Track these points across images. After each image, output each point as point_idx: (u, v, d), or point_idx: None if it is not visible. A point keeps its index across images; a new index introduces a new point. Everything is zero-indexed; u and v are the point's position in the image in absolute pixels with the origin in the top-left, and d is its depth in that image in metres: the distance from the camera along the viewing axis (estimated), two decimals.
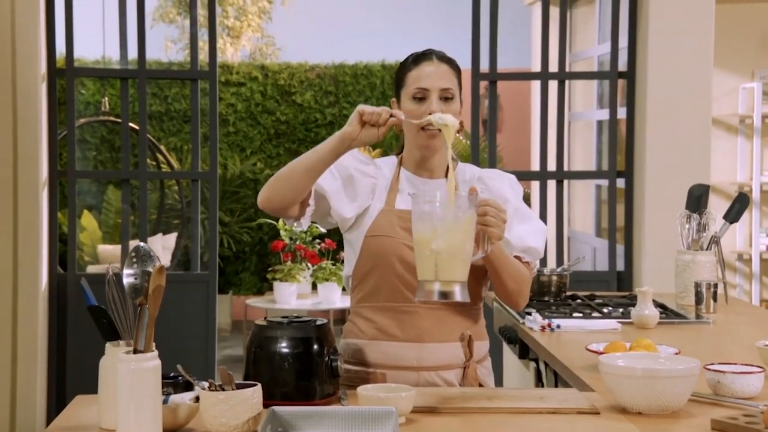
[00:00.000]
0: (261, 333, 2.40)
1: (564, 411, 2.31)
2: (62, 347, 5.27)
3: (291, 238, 7.84)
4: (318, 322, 2.43)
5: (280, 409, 2.14)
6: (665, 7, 5.14)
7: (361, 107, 2.43)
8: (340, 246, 8.36)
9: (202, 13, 5.44)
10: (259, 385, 2.16)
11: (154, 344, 2.08)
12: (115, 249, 8.41)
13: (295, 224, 2.68)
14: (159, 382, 2.07)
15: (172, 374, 2.28)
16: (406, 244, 2.56)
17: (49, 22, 5.21)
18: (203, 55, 8.19)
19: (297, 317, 2.44)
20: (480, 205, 2.37)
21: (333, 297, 7.65)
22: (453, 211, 2.28)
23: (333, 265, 7.72)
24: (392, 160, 2.73)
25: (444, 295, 2.27)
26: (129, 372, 2.03)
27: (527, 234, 2.66)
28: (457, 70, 2.64)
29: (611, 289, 5.24)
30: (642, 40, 5.23)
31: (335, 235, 8.85)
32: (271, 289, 9.13)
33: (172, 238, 8.42)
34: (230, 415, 2.10)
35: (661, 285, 4.45)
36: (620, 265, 5.41)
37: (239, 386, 2.15)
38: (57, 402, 5.27)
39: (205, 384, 2.14)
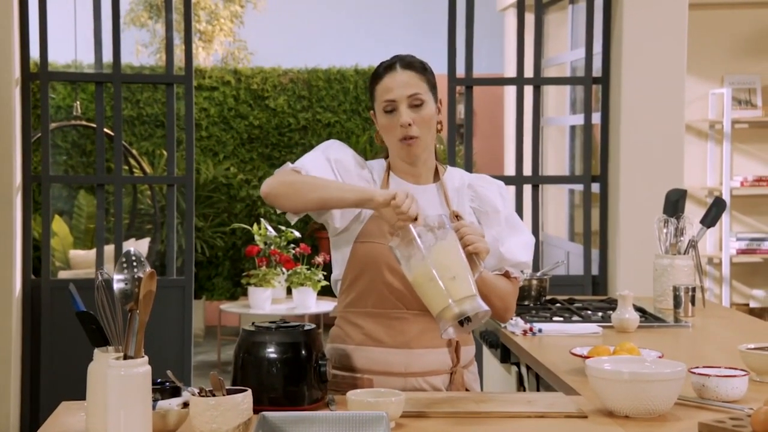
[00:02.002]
0: (249, 338, 2.40)
1: (552, 415, 2.32)
2: (36, 353, 5.23)
3: (266, 243, 7.82)
4: (306, 327, 2.42)
5: (270, 414, 2.14)
6: (639, 13, 5.18)
7: (402, 194, 2.40)
8: (315, 251, 8.36)
9: (176, 17, 5.40)
10: (250, 390, 2.15)
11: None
12: (86, 254, 8.34)
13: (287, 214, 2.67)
14: (149, 388, 2.07)
15: (159, 380, 2.27)
16: (395, 226, 2.55)
17: (23, 26, 5.17)
18: (176, 60, 8.15)
19: (285, 322, 2.44)
20: (455, 229, 2.41)
21: (308, 302, 7.63)
22: (435, 235, 2.32)
23: (308, 270, 7.71)
24: (381, 163, 2.72)
25: (463, 313, 2.27)
26: (119, 378, 2.03)
27: (519, 248, 2.68)
28: (423, 72, 2.62)
29: (586, 293, 5.27)
30: (616, 45, 5.26)
31: (310, 239, 8.85)
32: (244, 294, 9.11)
33: (144, 243, 8.37)
34: (221, 420, 2.09)
35: (636, 288, 4.46)
36: (594, 270, 5.44)
37: (229, 392, 2.15)
38: (31, 408, 5.22)
39: (195, 390, 2.14)
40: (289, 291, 7.86)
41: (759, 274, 7.55)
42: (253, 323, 2.45)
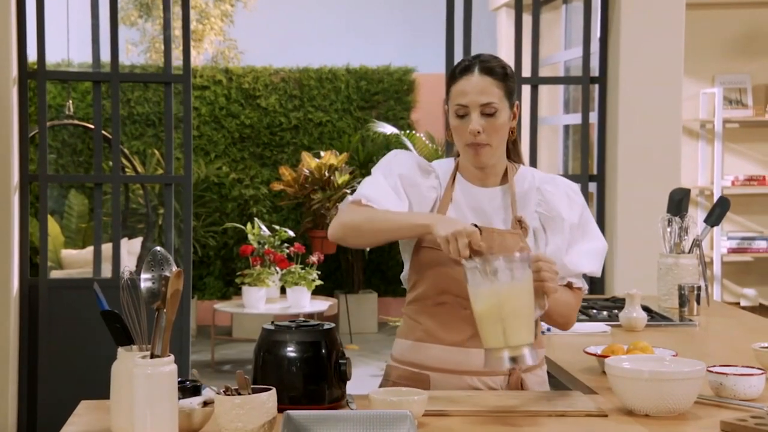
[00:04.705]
0: (269, 337, 2.40)
1: (572, 414, 2.33)
2: (33, 353, 5.20)
3: (259, 242, 7.81)
4: (326, 326, 2.43)
5: (295, 413, 2.14)
6: (636, 12, 5.20)
7: (452, 240, 2.33)
8: (309, 250, 8.36)
9: (164, 16, 5.37)
10: (274, 389, 2.15)
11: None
12: (78, 254, 8.31)
13: None
14: (175, 387, 2.06)
15: (179, 379, 2.27)
16: (454, 259, 2.50)
17: (20, 25, 5.15)
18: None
19: (305, 321, 2.45)
20: (533, 261, 2.36)
21: (302, 301, 7.63)
22: (513, 275, 2.25)
23: (302, 269, 7.70)
24: (449, 164, 2.67)
25: (514, 360, 2.25)
26: (146, 377, 2.02)
27: (583, 257, 2.60)
28: (503, 79, 2.55)
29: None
30: (613, 45, 5.28)
31: (302, 239, 8.84)
32: (235, 293, 9.09)
33: (137, 242, 8.35)
34: (246, 419, 2.09)
35: (635, 287, 4.48)
36: None
37: (253, 390, 2.15)
38: (28, 408, 5.20)
39: (221, 388, 2.14)
40: (283, 290, 7.85)
41: (750, 273, 7.60)
42: (272, 322, 2.46)
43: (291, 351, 2.37)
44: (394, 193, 2.58)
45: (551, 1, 6.96)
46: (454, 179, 2.64)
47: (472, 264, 2.28)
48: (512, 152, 2.67)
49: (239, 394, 2.12)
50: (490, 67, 2.55)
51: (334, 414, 2.15)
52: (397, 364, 2.64)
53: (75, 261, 8.16)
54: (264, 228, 8.00)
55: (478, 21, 5.51)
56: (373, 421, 2.13)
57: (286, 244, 7.88)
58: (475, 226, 2.53)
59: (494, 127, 2.53)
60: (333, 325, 2.45)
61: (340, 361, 2.40)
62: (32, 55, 5.29)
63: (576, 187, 2.69)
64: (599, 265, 2.64)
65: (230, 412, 2.09)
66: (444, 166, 2.68)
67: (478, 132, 2.52)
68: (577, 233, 2.62)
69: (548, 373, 3.11)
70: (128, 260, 7.68)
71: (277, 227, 8.11)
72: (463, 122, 2.55)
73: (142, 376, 2.02)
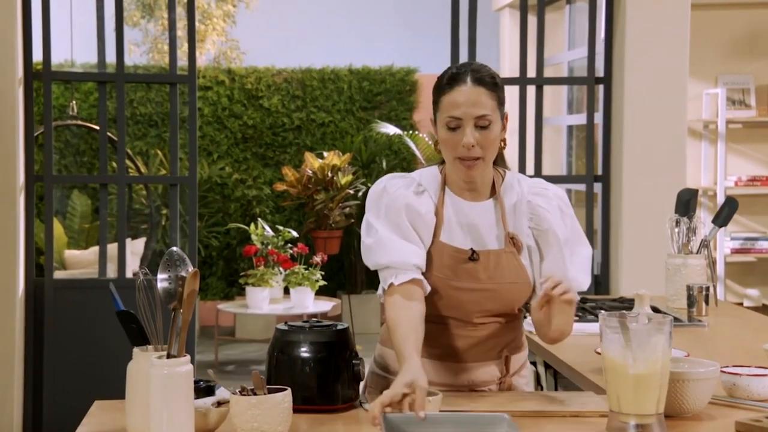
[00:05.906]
0: (282, 337, 2.41)
1: (586, 414, 2.34)
2: (39, 353, 5.20)
3: (263, 243, 7.81)
4: (339, 327, 2.43)
5: (392, 415, 2.11)
6: (641, 13, 5.20)
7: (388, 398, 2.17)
8: (312, 251, 8.36)
9: (169, 16, 5.37)
10: (289, 389, 2.16)
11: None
12: (81, 254, 8.30)
13: None
14: (191, 387, 2.07)
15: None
16: (450, 285, 2.49)
17: (26, 25, 5.14)
18: (167, 59, 8.12)
19: (318, 321, 2.45)
20: (543, 282, 2.34)
21: (306, 302, 7.62)
22: (665, 339, 2.14)
23: (306, 269, 7.71)
24: (435, 177, 2.57)
25: (642, 427, 2.14)
26: (162, 377, 2.02)
27: (581, 272, 2.54)
28: (494, 89, 2.46)
29: (589, 293, 5.28)
30: (618, 45, 5.28)
31: (305, 239, 8.84)
32: (238, 293, 9.09)
33: (140, 243, 8.34)
34: (262, 419, 2.10)
35: (641, 288, 4.47)
36: (595, 269, 5.45)
37: (268, 391, 2.15)
38: (33, 408, 5.20)
39: (237, 389, 2.14)
40: (286, 291, 7.85)
41: (753, 274, 7.61)
42: (286, 322, 2.46)
43: (305, 351, 2.38)
44: (404, 240, 2.47)
45: (555, 1, 6.96)
46: (443, 196, 2.54)
47: (642, 326, 2.13)
48: (498, 159, 2.58)
49: (255, 394, 2.13)
50: (482, 77, 2.46)
51: (431, 416, 2.12)
52: (384, 373, 2.57)
53: (78, 261, 8.16)
54: (267, 228, 7.99)
55: (480, 21, 5.50)
56: (469, 424, 2.12)
57: (289, 245, 7.88)
58: (472, 250, 2.50)
59: (488, 140, 2.45)
60: (346, 325, 2.46)
61: (354, 361, 2.40)
62: (36, 56, 5.28)
63: (564, 195, 2.61)
64: (590, 273, 2.58)
65: (246, 413, 2.10)
66: (430, 178, 2.57)
67: (473, 146, 2.43)
68: (571, 246, 2.54)
69: (554, 373, 3.13)
70: (131, 261, 7.67)
71: (280, 228, 8.11)
72: (455, 135, 2.45)
73: (158, 376, 2.02)
